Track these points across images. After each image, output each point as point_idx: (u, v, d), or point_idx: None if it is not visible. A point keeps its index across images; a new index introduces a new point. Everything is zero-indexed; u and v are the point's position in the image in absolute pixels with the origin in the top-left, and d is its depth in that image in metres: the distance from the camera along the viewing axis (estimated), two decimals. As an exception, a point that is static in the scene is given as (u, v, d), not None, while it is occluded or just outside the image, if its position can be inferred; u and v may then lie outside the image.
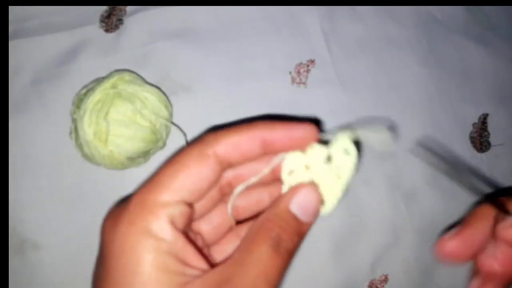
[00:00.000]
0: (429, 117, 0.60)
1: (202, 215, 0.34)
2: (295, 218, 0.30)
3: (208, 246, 0.35)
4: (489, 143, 0.62)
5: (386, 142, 0.32)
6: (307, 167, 0.33)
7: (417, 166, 0.58)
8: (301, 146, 0.33)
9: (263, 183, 0.35)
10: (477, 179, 0.60)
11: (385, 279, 0.56)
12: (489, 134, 0.62)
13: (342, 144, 0.33)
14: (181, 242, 0.27)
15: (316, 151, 0.33)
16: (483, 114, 0.62)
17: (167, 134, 0.51)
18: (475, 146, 0.61)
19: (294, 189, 0.32)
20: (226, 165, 0.31)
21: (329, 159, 0.33)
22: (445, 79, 0.62)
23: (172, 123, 0.51)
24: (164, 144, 0.51)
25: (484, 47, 0.65)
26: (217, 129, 0.31)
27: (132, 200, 0.28)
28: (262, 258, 0.27)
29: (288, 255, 0.29)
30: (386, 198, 0.57)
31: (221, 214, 0.35)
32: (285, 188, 0.33)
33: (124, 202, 0.29)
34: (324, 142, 0.34)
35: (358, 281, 0.55)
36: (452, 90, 0.62)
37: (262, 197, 0.36)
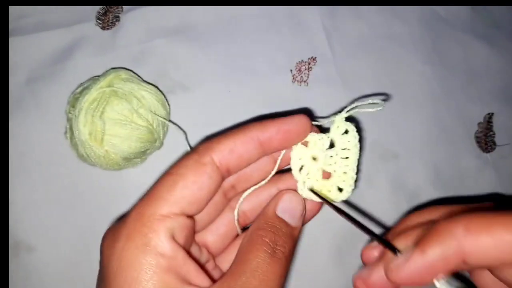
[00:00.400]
0: (433, 116, 0.59)
1: (207, 225, 0.34)
2: (285, 223, 0.31)
3: (214, 256, 0.34)
4: (494, 143, 0.61)
5: (377, 105, 0.33)
6: (314, 158, 0.34)
7: (420, 166, 0.57)
8: (297, 138, 0.33)
9: (270, 180, 0.35)
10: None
11: (388, 283, 0.55)
12: (494, 133, 0.61)
13: (340, 125, 0.34)
14: (181, 257, 0.26)
15: (318, 140, 0.34)
16: (489, 114, 0.61)
17: (165, 134, 0.50)
18: (480, 146, 0.60)
19: (277, 197, 0.32)
20: (225, 171, 0.30)
21: (332, 144, 0.34)
22: (449, 78, 0.61)
23: (171, 121, 0.50)
24: (162, 144, 0.50)
25: (489, 45, 0.64)
26: (211, 138, 0.31)
27: (130, 214, 0.27)
28: (260, 266, 0.27)
29: (285, 260, 0.29)
30: (389, 198, 0.56)
31: (227, 222, 0.35)
32: (300, 186, 0.34)
33: (123, 217, 0.28)
34: (324, 131, 0.34)
35: (360, 284, 0.54)
36: (456, 89, 0.61)
37: (271, 195, 0.35)
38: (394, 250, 0.28)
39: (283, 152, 0.34)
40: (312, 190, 0.34)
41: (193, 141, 0.52)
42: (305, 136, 0.33)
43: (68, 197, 0.50)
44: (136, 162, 0.49)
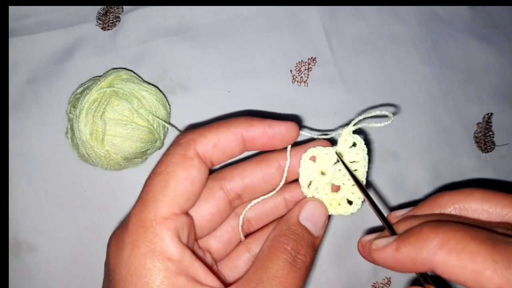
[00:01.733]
0: (432, 117, 0.59)
1: (211, 231, 0.33)
2: (307, 231, 0.30)
3: (216, 261, 0.34)
4: (493, 143, 0.61)
5: (387, 118, 0.32)
6: (322, 173, 0.33)
7: (420, 166, 0.58)
8: (281, 145, 0.32)
9: (275, 186, 0.34)
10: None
11: (388, 282, 0.55)
12: (493, 134, 0.61)
13: (347, 138, 0.33)
14: (189, 259, 0.26)
15: (325, 154, 0.33)
16: (488, 114, 0.61)
17: (165, 134, 0.50)
18: (479, 146, 0.60)
19: (300, 204, 0.32)
20: (209, 163, 0.30)
21: (340, 157, 0.33)
22: (448, 78, 0.61)
23: (170, 123, 0.50)
24: (162, 144, 0.50)
25: (488, 45, 0.64)
26: (191, 128, 0.31)
27: (130, 220, 0.27)
28: (279, 274, 0.26)
29: (305, 270, 0.28)
30: (389, 198, 0.56)
31: (231, 229, 0.35)
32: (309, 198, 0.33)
33: (123, 222, 0.28)
34: (332, 142, 0.34)
35: (360, 283, 0.54)
36: (456, 89, 0.61)
37: (277, 205, 0.35)
38: (393, 230, 0.29)
39: (287, 164, 0.33)
40: None
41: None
42: (289, 144, 0.33)
43: (69, 197, 0.50)
44: (137, 162, 0.49)
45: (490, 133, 0.61)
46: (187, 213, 0.29)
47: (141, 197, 0.28)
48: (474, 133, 0.61)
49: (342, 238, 0.54)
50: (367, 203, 0.33)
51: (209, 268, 0.28)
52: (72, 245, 0.49)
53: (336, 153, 0.33)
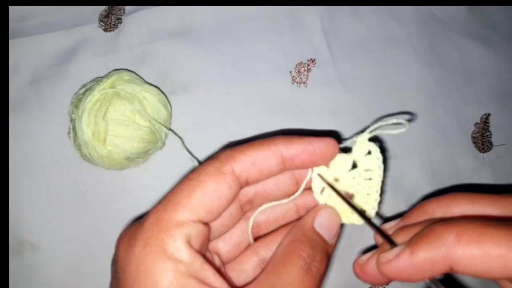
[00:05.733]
0: (430, 117, 0.60)
1: (221, 235, 0.33)
2: (322, 238, 0.30)
3: (224, 264, 0.34)
4: (491, 143, 0.61)
5: (401, 126, 0.31)
6: (336, 180, 0.33)
7: (417, 166, 0.58)
8: (322, 161, 0.32)
9: (288, 194, 0.34)
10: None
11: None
12: (491, 134, 0.61)
13: (362, 146, 0.33)
14: (199, 262, 0.26)
15: (340, 161, 0.33)
16: (485, 114, 0.62)
17: (166, 134, 0.50)
18: (477, 146, 0.61)
19: (314, 210, 0.31)
20: (244, 183, 0.30)
21: (355, 165, 0.33)
22: (446, 79, 0.62)
23: (170, 129, 0.51)
24: (163, 144, 0.51)
25: (486, 46, 0.64)
26: (233, 145, 0.31)
27: (147, 219, 0.27)
28: (293, 282, 0.26)
29: (320, 277, 0.28)
30: (387, 198, 0.56)
31: (241, 232, 0.35)
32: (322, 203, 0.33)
33: (139, 220, 0.28)
34: (345, 150, 0.34)
35: (360, 283, 0.54)
36: (453, 89, 0.62)
37: (288, 210, 0.35)
38: (392, 242, 0.29)
39: (309, 175, 0.33)
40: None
41: (194, 141, 0.52)
42: (330, 160, 0.32)
43: (71, 197, 0.50)
44: (139, 162, 0.50)
45: (488, 133, 0.61)
46: (205, 223, 0.28)
47: (165, 198, 0.28)
48: (472, 133, 0.61)
49: (342, 238, 0.54)
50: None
51: (219, 271, 0.28)
52: (74, 245, 0.49)
53: (318, 175, 0.33)
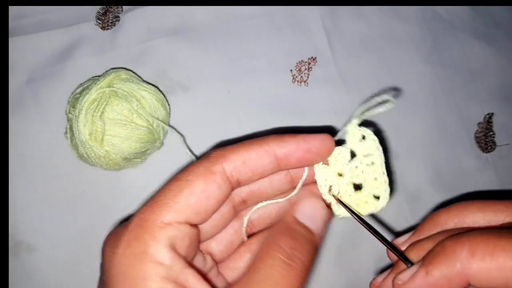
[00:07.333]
0: (433, 116, 0.59)
1: (212, 236, 0.32)
2: (305, 228, 0.29)
3: (218, 263, 0.33)
4: (494, 143, 0.61)
5: (389, 104, 0.30)
6: (340, 175, 0.32)
7: (420, 166, 0.57)
8: (317, 159, 0.31)
9: (282, 192, 0.33)
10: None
11: (388, 283, 0.55)
12: (494, 134, 0.61)
13: (355, 133, 0.32)
14: (180, 266, 0.25)
15: (338, 155, 0.32)
16: (489, 114, 0.61)
17: (165, 134, 0.50)
18: (480, 146, 0.60)
19: (297, 201, 0.30)
20: (235, 183, 0.29)
21: (354, 154, 0.32)
22: (449, 78, 0.61)
23: (169, 125, 0.50)
24: (162, 144, 0.50)
25: (489, 45, 0.64)
26: (224, 145, 0.30)
27: (132, 220, 0.26)
28: (272, 276, 0.25)
29: (303, 269, 0.26)
30: (391, 199, 0.56)
31: (233, 231, 0.34)
32: (336, 208, 0.32)
33: (126, 220, 0.27)
34: (340, 143, 0.33)
35: (360, 283, 0.54)
36: (457, 88, 0.61)
37: (281, 207, 0.34)
38: (406, 259, 0.28)
39: (305, 174, 0.32)
40: (342, 202, 0.32)
41: (193, 141, 0.52)
42: (327, 156, 0.31)
43: (68, 197, 0.50)
44: (136, 162, 0.49)
45: (491, 133, 0.61)
46: (193, 225, 0.27)
47: (152, 199, 0.27)
48: (475, 133, 0.60)
49: (342, 238, 0.54)
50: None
51: (204, 275, 0.27)
52: (71, 246, 0.49)
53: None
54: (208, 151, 0.31)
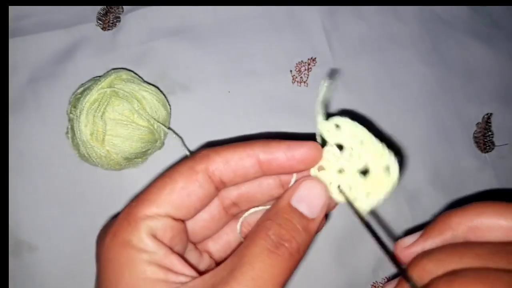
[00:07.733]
0: (432, 117, 0.59)
1: (208, 237, 0.33)
2: (298, 213, 0.28)
3: (217, 262, 0.34)
4: (493, 143, 0.61)
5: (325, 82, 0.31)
6: (341, 171, 0.31)
7: (419, 166, 0.58)
8: (301, 168, 0.30)
9: (274, 198, 0.33)
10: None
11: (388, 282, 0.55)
12: (493, 134, 0.61)
13: (327, 128, 0.31)
14: (163, 252, 0.27)
15: (328, 155, 0.31)
16: (487, 114, 0.61)
17: (165, 134, 0.50)
18: (478, 146, 0.60)
19: (295, 185, 0.29)
20: (218, 183, 0.29)
21: (342, 147, 0.31)
22: (448, 78, 0.61)
23: (170, 128, 0.50)
24: (162, 144, 0.51)
25: (488, 46, 0.64)
26: (212, 145, 0.30)
27: (120, 214, 0.28)
28: (254, 262, 0.25)
29: (290, 258, 0.26)
30: (389, 199, 0.56)
31: (229, 230, 0.34)
32: (353, 205, 0.31)
33: (116, 216, 0.29)
34: (324, 144, 0.32)
35: (360, 283, 0.54)
36: (455, 89, 0.61)
37: None
38: (408, 278, 0.26)
39: (293, 180, 0.31)
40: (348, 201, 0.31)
41: (193, 141, 0.52)
42: (312, 165, 0.30)
43: (69, 197, 0.50)
44: (137, 162, 0.49)
45: (490, 133, 0.61)
46: (177, 220, 0.28)
47: (138, 195, 0.29)
48: (474, 133, 0.61)
49: (342, 238, 0.54)
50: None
51: (186, 260, 0.28)
52: (72, 245, 0.49)
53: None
54: (196, 151, 0.32)
